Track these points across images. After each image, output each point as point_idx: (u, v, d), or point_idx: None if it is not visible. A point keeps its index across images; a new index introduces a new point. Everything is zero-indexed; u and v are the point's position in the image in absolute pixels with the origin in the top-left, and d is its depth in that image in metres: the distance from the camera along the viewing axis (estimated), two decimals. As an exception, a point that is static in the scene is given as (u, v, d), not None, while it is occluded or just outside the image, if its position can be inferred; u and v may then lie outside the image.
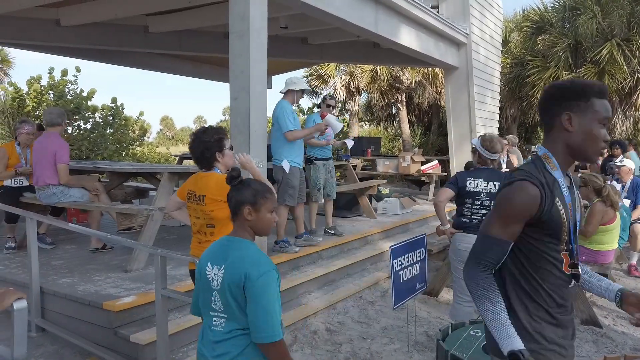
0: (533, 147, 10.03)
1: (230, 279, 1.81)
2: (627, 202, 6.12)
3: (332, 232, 5.86)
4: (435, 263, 5.37)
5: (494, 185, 3.50)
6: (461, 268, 3.54)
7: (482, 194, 3.51)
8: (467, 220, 3.56)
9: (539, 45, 13.63)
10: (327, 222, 5.91)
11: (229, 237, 1.96)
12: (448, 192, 3.62)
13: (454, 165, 9.42)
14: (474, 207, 3.53)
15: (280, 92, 5.11)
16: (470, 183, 3.54)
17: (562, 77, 12.29)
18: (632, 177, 6.46)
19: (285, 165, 4.86)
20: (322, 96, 5.67)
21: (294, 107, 5.18)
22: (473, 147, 3.70)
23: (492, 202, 3.45)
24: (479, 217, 3.51)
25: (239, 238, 1.93)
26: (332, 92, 16.24)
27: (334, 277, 5.19)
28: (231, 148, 2.98)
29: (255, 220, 1.95)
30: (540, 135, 15.50)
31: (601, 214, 4.49)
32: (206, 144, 2.86)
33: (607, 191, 4.58)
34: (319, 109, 5.65)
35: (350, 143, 5.99)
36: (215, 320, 1.88)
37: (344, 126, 5.46)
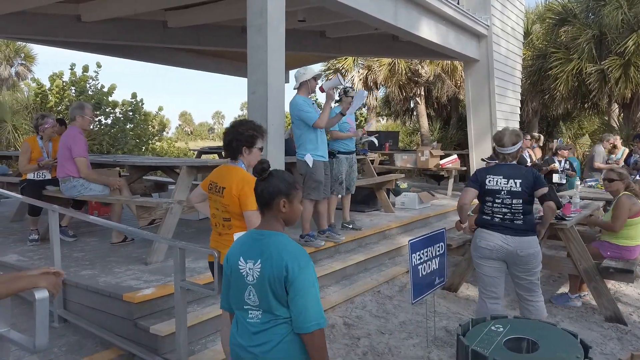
0: (555, 140, 9.82)
1: (270, 272, 1.83)
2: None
3: (350, 226, 5.82)
4: (454, 258, 5.30)
5: (515, 182, 3.32)
6: (482, 264, 3.48)
7: (503, 192, 3.35)
8: (489, 219, 3.42)
9: (562, 37, 13.34)
10: (344, 216, 5.87)
11: (261, 231, 1.95)
12: (472, 192, 3.47)
13: (473, 160, 9.29)
14: (494, 205, 3.38)
15: (294, 89, 4.96)
16: (489, 181, 3.39)
17: (586, 69, 12.01)
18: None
19: (309, 159, 4.79)
20: (341, 89, 5.56)
21: (311, 96, 5.08)
22: (493, 149, 3.59)
23: (514, 200, 3.32)
24: (501, 216, 3.37)
25: (272, 231, 1.94)
26: (350, 85, 16.16)
27: (352, 272, 5.17)
28: (261, 149, 2.93)
29: (289, 211, 1.96)
30: (563, 129, 15.19)
31: (628, 206, 4.39)
32: (238, 134, 2.85)
33: (633, 186, 4.61)
34: (338, 104, 5.61)
35: (374, 140, 5.97)
36: (250, 313, 1.90)
37: (360, 116, 5.41)
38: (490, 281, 3.49)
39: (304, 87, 4.84)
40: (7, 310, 2.07)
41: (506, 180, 3.35)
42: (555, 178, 7.96)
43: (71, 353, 3.42)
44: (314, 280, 1.84)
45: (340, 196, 5.64)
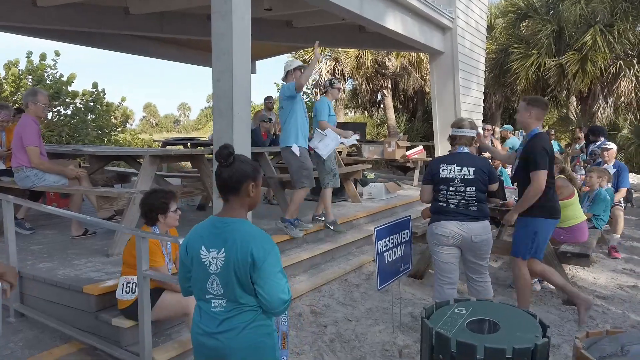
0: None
1: (235, 260, 1.82)
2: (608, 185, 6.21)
3: (332, 228, 5.54)
4: (420, 246, 5.39)
5: (468, 170, 3.41)
6: (439, 251, 3.51)
7: (457, 180, 3.42)
8: (444, 205, 3.48)
9: (523, 31, 13.69)
10: (328, 214, 5.54)
11: (223, 219, 1.92)
12: (428, 189, 3.58)
13: (438, 151, 9.43)
14: (449, 193, 3.45)
15: (282, 80, 5.16)
16: (443, 170, 3.47)
17: (545, 63, 12.36)
18: (615, 160, 6.55)
19: (295, 149, 4.88)
20: (327, 80, 5.57)
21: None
22: (449, 136, 3.67)
23: (468, 187, 3.41)
24: (455, 203, 3.44)
25: (235, 219, 1.92)
26: (318, 78, 16.14)
27: (319, 261, 5.18)
28: (176, 211, 3.25)
29: (255, 195, 1.96)
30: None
31: (559, 190, 4.57)
32: (151, 205, 3.17)
33: (568, 171, 4.91)
34: (324, 94, 5.58)
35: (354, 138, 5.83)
36: (213, 302, 1.89)
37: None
38: (446, 267, 3.54)
39: (290, 76, 5.02)
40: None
41: (459, 168, 3.44)
42: None
43: (29, 348, 3.29)
44: (278, 263, 1.86)
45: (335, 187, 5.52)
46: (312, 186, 5.06)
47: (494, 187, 3.58)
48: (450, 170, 3.45)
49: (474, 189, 3.42)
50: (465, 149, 3.56)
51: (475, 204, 3.44)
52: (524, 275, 3.81)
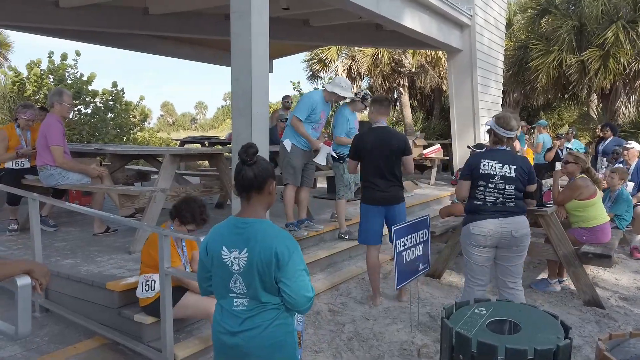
0: (570, 129, 10.06)
1: (258, 260, 1.84)
2: (631, 185, 6.10)
3: (347, 237, 5.47)
4: (437, 245, 5.37)
5: (509, 168, 3.34)
6: (474, 252, 3.44)
7: (497, 177, 3.34)
8: (481, 203, 3.39)
9: (543, 28, 13.46)
10: (341, 224, 5.53)
11: (244, 219, 1.93)
12: (467, 185, 3.45)
13: (456, 150, 9.38)
14: (487, 190, 3.37)
15: (322, 87, 5.06)
16: (484, 165, 3.37)
17: (566, 60, 12.15)
18: (637, 159, 6.43)
19: (287, 144, 4.85)
20: (361, 93, 5.36)
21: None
22: (488, 128, 3.52)
23: (507, 185, 3.34)
24: (493, 200, 3.36)
25: (257, 219, 1.92)
26: (334, 76, 16.09)
27: (337, 259, 5.20)
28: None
29: (273, 194, 1.99)
30: (544, 119, 15.39)
31: (580, 190, 4.52)
32: (193, 210, 3.24)
33: (592, 171, 4.79)
34: (348, 102, 5.52)
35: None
36: (236, 301, 1.91)
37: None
38: (479, 270, 3.47)
39: (330, 94, 4.94)
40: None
41: (501, 165, 3.36)
42: None
43: (54, 343, 3.38)
44: (302, 262, 1.87)
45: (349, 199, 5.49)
46: (297, 185, 4.97)
47: (532, 187, 3.47)
48: (492, 166, 3.36)
49: (513, 187, 3.35)
50: (506, 146, 3.47)
51: (514, 200, 3.37)
52: (368, 259, 4.25)
